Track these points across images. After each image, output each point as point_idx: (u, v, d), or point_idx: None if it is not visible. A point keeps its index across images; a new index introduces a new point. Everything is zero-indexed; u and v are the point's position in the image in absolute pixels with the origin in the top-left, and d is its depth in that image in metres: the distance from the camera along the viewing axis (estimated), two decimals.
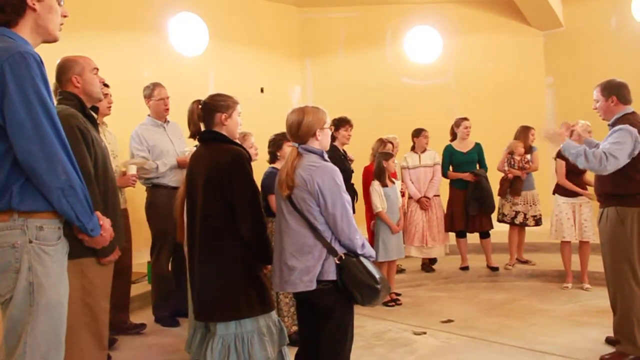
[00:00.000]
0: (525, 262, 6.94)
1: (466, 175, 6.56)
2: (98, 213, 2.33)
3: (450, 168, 6.75)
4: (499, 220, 6.77)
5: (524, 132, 6.78)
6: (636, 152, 3.80)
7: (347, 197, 2.90)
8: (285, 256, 2.90)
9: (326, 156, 3.00)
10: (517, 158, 6.64)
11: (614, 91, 3.96)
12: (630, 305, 3.90)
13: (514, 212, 6.67)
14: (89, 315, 2.99)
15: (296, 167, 2.89)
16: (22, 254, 2.10)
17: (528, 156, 6.72)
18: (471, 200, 6.45)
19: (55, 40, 2.31)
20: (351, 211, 2.91)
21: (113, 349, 4.34)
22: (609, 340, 4.31)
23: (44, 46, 2.31)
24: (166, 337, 4.76)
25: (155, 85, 5.08)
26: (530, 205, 6.66)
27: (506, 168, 6.64)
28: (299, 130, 2.96)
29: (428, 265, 6.87)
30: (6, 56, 2.03)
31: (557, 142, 4.11)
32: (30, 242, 2.11)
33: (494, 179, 6.70)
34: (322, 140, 3.00)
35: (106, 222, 2.38)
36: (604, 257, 4.07)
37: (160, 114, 5.06)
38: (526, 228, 6.87)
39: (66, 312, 2.25)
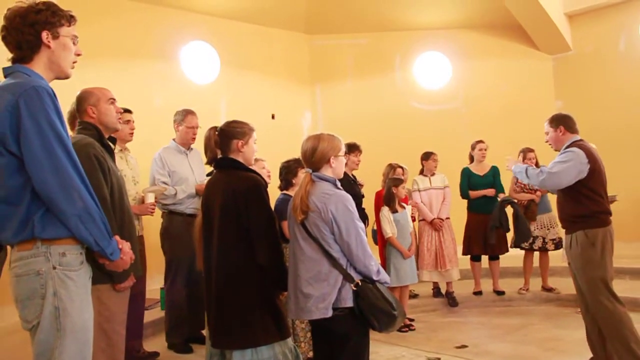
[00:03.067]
0: (550, 289, 6.73)
1: (489, 191, 6.55)
2: (117, 237, 2.37)
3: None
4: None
5: (522, 155, 6.71)
6: (585, 173, 3.97)
7: (361, 224, 2.93)
8: (301, 283, 2.90)
9: (339, 184, 3.03)
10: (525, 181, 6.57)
11: (561, 122, 4.24)
12: (618, 324, 3.90)
13: (531, 238, 6.59)
14: (105, 341, 3.05)
15: (309, 193, 2.92)
16: (47, 280, 2.15)
17: None
18: (494, 227, 6.33)
19: (67, 77, 2.39)
20: (365, 238, 2.93)
21: None
22: None
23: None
24: None
25: (188, 112, 5.09)
26: (548, 229, 6.57)
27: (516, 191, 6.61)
28: (313, 157, 3.00)
29: (451, 295, 6.69)
30: (20, 91, 2.11)
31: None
32: (54, 268, 2.16)
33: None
34: (336, 167, 3.04)
35: (125, 246, 2.41)
36: (581, 283, 4.07)
37: (186, 141, 5.10)
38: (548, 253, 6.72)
39: (92, 336, 2.30)
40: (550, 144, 4.36)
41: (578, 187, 4.00)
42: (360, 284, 2.86)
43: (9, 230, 2.16)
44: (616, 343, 3.91)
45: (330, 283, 2.86)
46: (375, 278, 2.91)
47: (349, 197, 2.95)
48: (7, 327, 4.82)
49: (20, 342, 4.20)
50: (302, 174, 4.35)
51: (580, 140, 4.17)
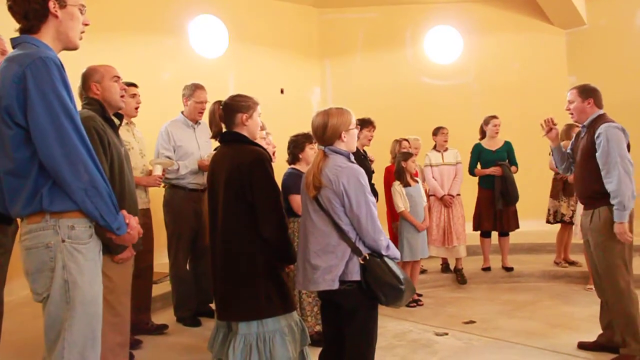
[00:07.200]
0: (572, 263, 6.77)
1: (493, 170, 6.47)
2: (124, 211, 2.35)
3: (479, 166, 6.69)
4: (558, 221, 6.63)
5: (567, 132, 6.45)
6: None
7: (372, 199, 2.91)
8: (309, 255, 2.92)
9: (352, 158, 3.02)
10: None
11: (591, 94, 4.09)
12: (628, 303, 3.88)
13: (571, 212, 6.47)
14: (110, 312, 3.09)
15: (322, 168, 2.92)
16: (56, 253, 2.15)
17: None
18: (499, 194, 6.37)
19: (75, 48, 2.36)
20: (376, 212, 2.91)
21: (137, 348, 4.37)
22: (582, 346, 4.31)
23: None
24: (188, 337, 4.79)
25: (197, 87, 5.07)
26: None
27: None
28: (324, 134, 2.99)
29: (460, 272, 6.68)
30: (28, 62, 2.09)
31: None
32: (63, 241, 2.16)
33: (526, 177, 6.62)
34: (348, 141, 3.02)
35: (132, 221, 2.39)
36: (598, 258, 4.03)
37: (194, 116, 5.09)
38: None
39: (101, 308, 2.31)
40: (571, 113, 4.19)
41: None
42: (367, 257, 2.86)
43: (19, 203, 2.16)
44: (626, 323, 3.89)
45: (338, 255, 2.86)
46: (384, 253, 2.90)
47: (362, 170, 2.94)
48: (17, 300, 4.88)
49: (31, 315, 4.27)
50: (310, 149, 4.37)
51: (605, 114, 4.05)
